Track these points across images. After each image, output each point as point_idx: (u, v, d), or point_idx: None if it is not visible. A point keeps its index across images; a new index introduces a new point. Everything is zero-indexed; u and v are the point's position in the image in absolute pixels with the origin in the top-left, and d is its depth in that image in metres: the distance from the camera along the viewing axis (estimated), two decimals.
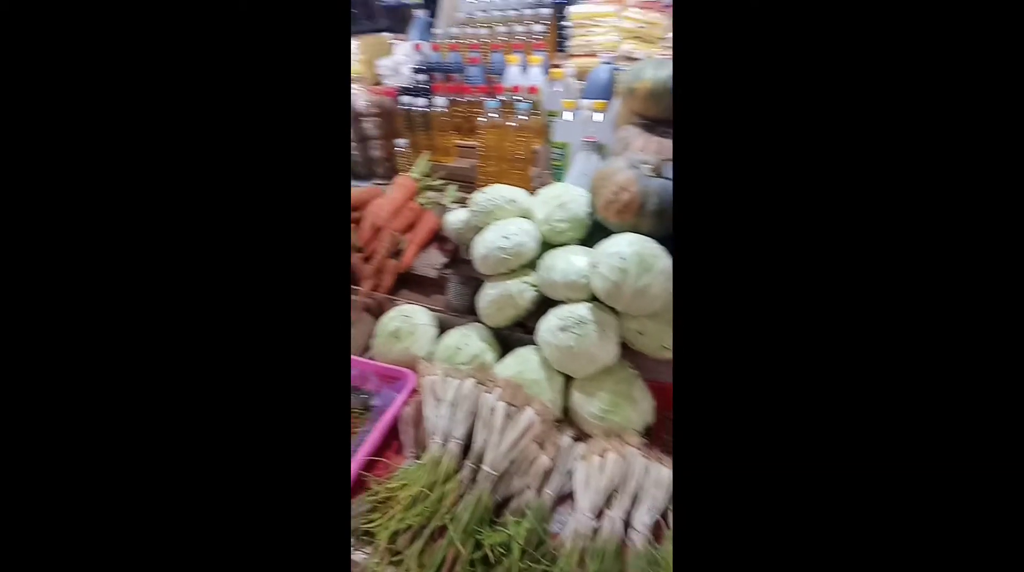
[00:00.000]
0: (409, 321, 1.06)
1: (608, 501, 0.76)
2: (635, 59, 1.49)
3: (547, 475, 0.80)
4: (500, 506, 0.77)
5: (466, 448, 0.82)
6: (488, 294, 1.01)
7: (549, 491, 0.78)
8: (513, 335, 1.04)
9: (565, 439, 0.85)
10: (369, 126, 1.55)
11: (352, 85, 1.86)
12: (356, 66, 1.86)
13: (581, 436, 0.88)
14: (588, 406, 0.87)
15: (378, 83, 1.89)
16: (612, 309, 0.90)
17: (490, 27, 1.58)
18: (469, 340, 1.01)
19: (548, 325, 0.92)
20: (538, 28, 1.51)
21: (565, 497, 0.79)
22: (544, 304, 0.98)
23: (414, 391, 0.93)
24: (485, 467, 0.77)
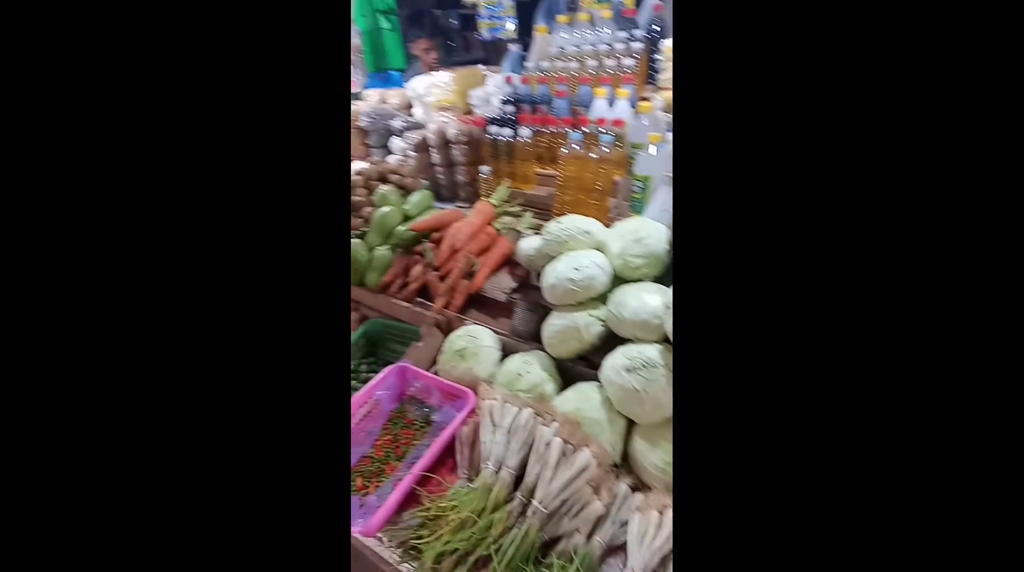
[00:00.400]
0: (475, 342, 1.09)
1: (663, 563, 0.71)
2: None
3: (599, 522, 0.76)
4: (547, 545, 0.75)
5: (518, 478, 0.81)
6: (554, 324, 1.01)
7: (599, 539, 0.74)
8: (576, 368, 1.02)
9: (622, 487, 0.81)
10: (457, 153, 1.65)
11: (444, 114, 1.99)
12: (450, 96, 1.99)
13: (639, 486, 0.83)
14: (650, 456, 0.83)
15: (469, 112, 2.00)
16: None
17: (580, 61, 1.62)
18: (531, 368, 1.01)
19: (614, 363, 0.89)
20: (628, 62, 1.52)
21: (616, 548, 0.75)
22: (611, 340, 0.95)
23: (473, 412, 0.94)
24: (535, 502, 0.76)
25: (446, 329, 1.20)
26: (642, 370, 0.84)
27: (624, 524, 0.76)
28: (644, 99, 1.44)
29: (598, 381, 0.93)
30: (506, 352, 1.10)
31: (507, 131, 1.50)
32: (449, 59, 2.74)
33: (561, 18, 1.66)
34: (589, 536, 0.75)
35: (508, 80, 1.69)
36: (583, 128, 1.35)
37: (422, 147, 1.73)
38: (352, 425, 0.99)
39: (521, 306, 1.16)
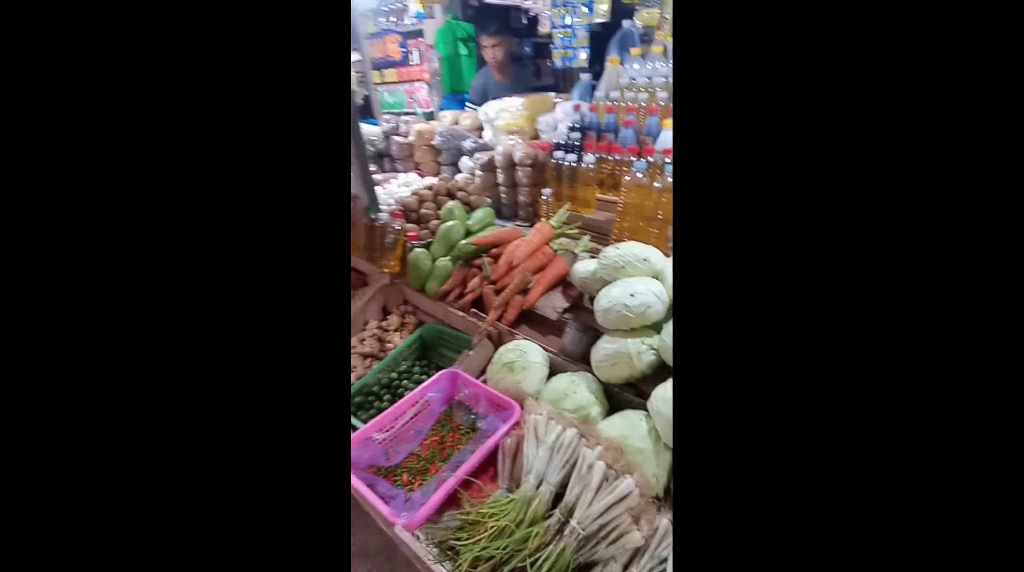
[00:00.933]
0: (524, 356, 1.12)
1: None
2: None
3: (637, 554, 0.75)
4: (582, 569, 0.75)
5: (558, 496, 0.82)
6: (604, 348, 1.02)
7: None
8: (623, 394, 1.02)
9: (663, 521, 0.79)
10: (521, 174, 1.71)
11: (512, 137, 2.08)
12: (519, 121, 2.08)
13: None
14: None
15: (536, 137, 2.08)
16: None
17: (651, 92, 1.64)
18: (578, 388, 1.02)
19: (664, 395, 0.88)
20: None
21: None
22: (662, 370, 0.95)
23: (517, 424, 0.97)
24: (573, 522, 0.76)
25: (497, 341, 1.24)
26: None
27: (663, 562, 0.75)
28: None
29: (645, 410, 0.92)
30: (554, 370, 1.12)
31: (572, 157, 1.54)
32: (523, 85, 2.86)
33: (635, 51, 1.70)
34: (625, 567, 0.74)
35: (577, 108, 1.75)
36: (648, 158, 1.37)
37: (489, 167, 1.82)
38: (403, 424, 1.04)
39: (572, 326, 1.18)
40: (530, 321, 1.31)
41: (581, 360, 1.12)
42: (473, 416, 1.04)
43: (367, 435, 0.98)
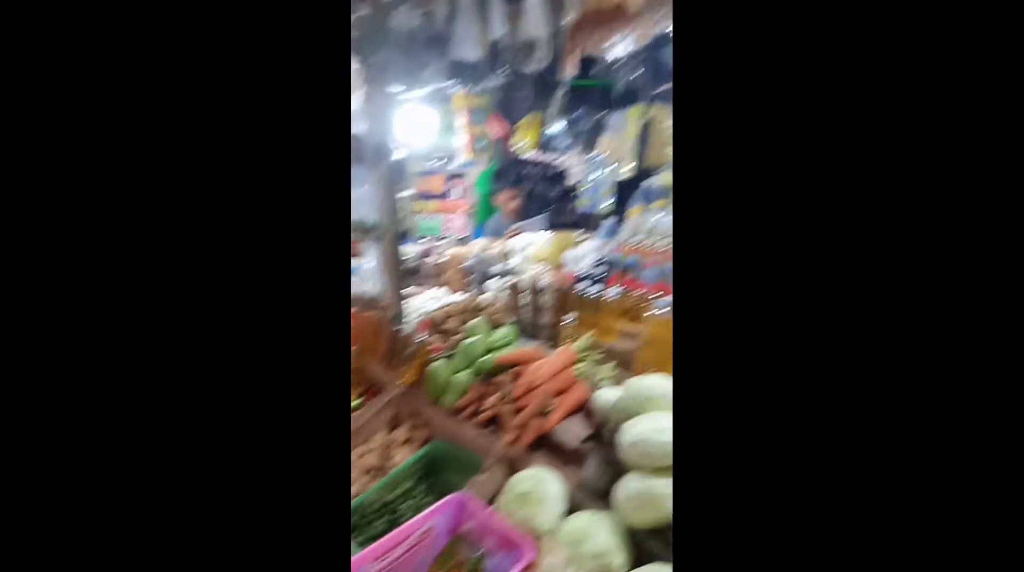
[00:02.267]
0: (540, 487, 1.03)
1: None
2: None
3: None
4: None
5: None
6: (629, 486, 0.95)
7: None
8: (650, 543, 0.91)
9: None
10: (546, 299, 1.80)
11: (538, 265, 2.23)
12: (548, 252, 2.26)
13: None
14: None
15: (560, 267, 2.23)
16: None
17: (669, 238, 1.81)
18: (599, 531, 0.92)
19: None
20: None
21: None
22: None
23: (530, 568, 0.85)
24: None
25: (511, 467, 1.16)
26: None
27: None
28: None
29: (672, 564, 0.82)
30: (572, 506, 1.02)
31: (596, 288, 1.64)
32: (534, 210, 3.11)
33: (656, 204, 1.92)
34: None
35: (601, 247, 1.91)
36: (670, 296, 1.44)
37: (515, 289, 1.92)
38: (401, 553, 0.93)
39: (594, 458, 1.11)
40: (549, 448, 1.24)
41: (603, 498, 1.03)
42: (479, 552, 0.92)
43: (362, 563, 0.87)
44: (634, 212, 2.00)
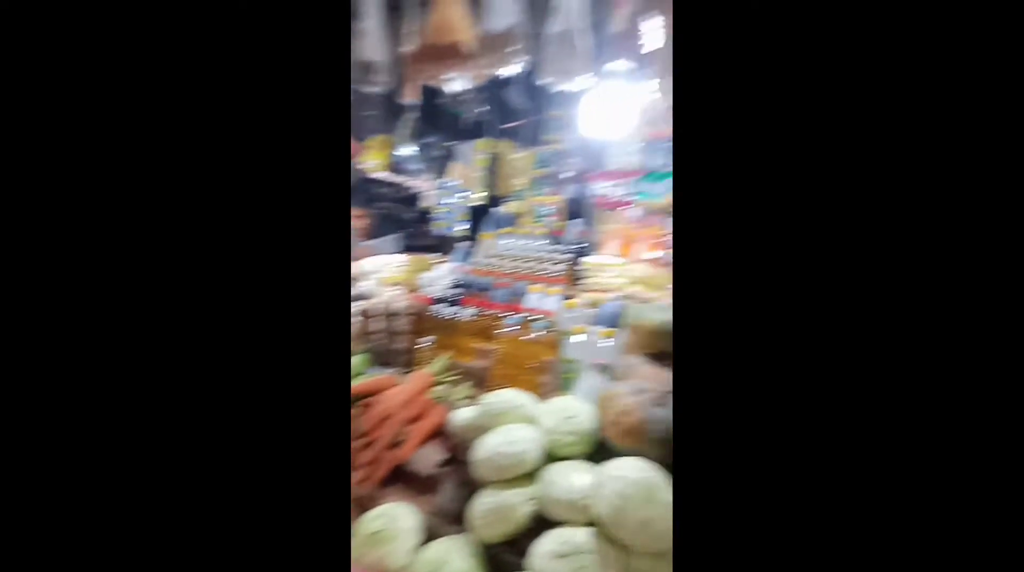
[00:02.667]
0: (393, 523, 0.98)
1: None
2: (644, 299, 1.76)
3: None
4: None
5: None
6: (483, 503, 0.96)
7: None
8: (503, 556, 0.93)
9: None
10: (400, 323, 1.75)
11: (392, 289, 2.16)
12: (402, 275, 2.21)
13: None
14: None
15: (416, 290, 2.20)
16: (618, 541, 0.84)
17: (518, 262, 1.94)
18: (454, 557, 0.91)
19: (542, 550, 0.84)
20: (558, 268, 1.86)
21: None
22: (541, 524, 0.92)
23: None
24: None
25: (363, 505, 1.07)
26: (572, 556, 0.80)
27: None
28: (570, 297, 1.71)
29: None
30: (429, 535, 0.99)
31: (450, 310, 1.66)
32: (385, 231, 3.02)
33: (504, 230, 2.06)
34: None
35: (455, 269, 1.95)
36: (519, 315, 1.54)
37: (366, 314, 1.82)
38: None
39: (449, 481, 1.10)
40: (404, 480, 1.19)
41: (458, 520, 1.02)
42: None
43: None
44: (486, 237, 2.10)
